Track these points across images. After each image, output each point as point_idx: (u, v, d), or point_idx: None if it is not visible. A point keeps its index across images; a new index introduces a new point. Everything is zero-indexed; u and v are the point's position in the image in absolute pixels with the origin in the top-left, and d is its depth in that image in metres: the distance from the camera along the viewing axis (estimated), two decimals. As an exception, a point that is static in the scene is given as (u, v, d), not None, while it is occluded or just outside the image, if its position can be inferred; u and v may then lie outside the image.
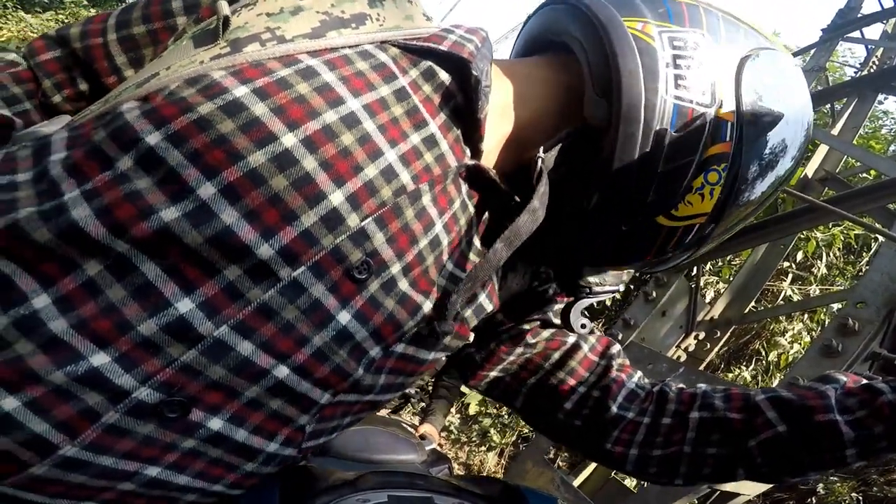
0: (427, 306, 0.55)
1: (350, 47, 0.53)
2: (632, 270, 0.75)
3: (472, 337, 0.64)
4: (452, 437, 3.90)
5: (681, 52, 0.59)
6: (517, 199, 0.61)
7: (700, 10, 0.63)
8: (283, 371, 0.48)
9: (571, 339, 0.74)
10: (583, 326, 0.70)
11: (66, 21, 6.46)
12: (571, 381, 0.71)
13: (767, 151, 0.63)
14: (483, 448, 3.81)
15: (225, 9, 0.50)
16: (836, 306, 3.48)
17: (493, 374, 0.74)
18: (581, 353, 0.73)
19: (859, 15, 3.59)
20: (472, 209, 0.59)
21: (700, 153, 0.59)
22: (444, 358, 0.63)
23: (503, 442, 3.85)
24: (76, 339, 0.42)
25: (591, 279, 0.71)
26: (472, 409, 3.97)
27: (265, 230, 0.45)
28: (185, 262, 0.44)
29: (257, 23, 0.51)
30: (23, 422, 0.41)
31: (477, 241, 0.61)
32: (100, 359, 0.42)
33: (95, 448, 0.43)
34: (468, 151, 0.58)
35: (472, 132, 0.58)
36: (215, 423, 0.47)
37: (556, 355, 0.73)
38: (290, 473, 0.58)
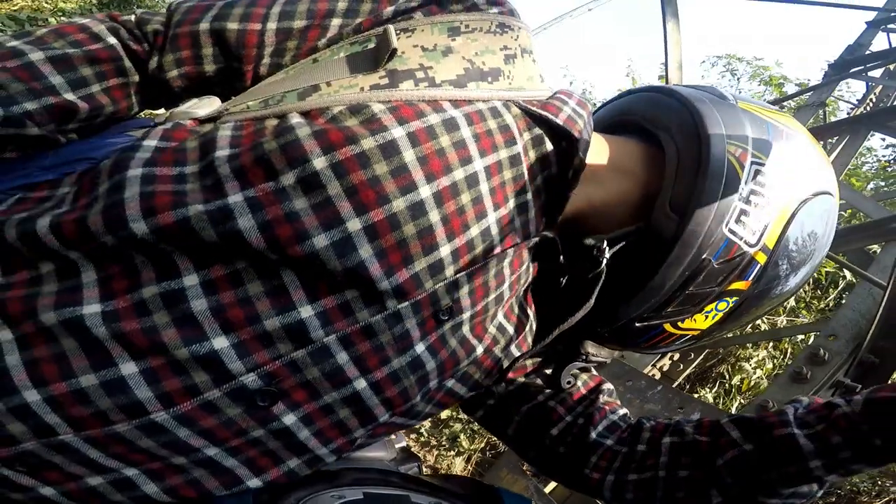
0: (479, 350, 0.60)
1: (483, 101, 0.56)
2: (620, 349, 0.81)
3: (495, 376, 0.68)
4: (422, 439, 3.92)
5: (757, 189, 0.61)
6: (566, 274, 0.66)
7: (795, 139, 0.66)
8: (361, 384, 0.52)
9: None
10: (568, 383, 0.74)
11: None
12: (561, 410, 0.74)
13: (778, 286, 0.67)
14: (451, 453, 3.83)
15: (394, 41, 0.53)
16: (800, 337, 3.63)
17: (491, 402, 0.77)
18: (574, 386, 0.76)
19: (867, 52, 3.64)
20: (531, 272, 0.63)
21: (725, 285, 0.64)
22: (470, 394, 0.66)
23: (472, 448, 3.88)
24: (208, 320, 0.46)
25: (591, 349, 0.75)
26: (444, 414, 3.99)
27: (388, 269, 0.49)
28: (318, 278, 0.48)
29: (412, 55, 0.54)
30: (132, 387, 0.45)
31: (524, 298, 0.66)
32: (220, 342, 0.46)
33: (183, 419, 0.47)
34: (546, 220, 0.62)
35: (555, 203, 0.61)
36: (289, 419, 0.51)
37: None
38: None
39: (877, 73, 3.61)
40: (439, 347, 0.56)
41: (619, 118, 0.73)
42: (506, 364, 0.66)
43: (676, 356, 2.93)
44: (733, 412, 2.44)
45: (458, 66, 0.55)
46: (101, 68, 0.56)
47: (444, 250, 0.51)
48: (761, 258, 0.63)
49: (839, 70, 3.63)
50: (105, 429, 0.45)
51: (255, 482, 0.52)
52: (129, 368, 0.45)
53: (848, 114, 3.87)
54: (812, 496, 0.62)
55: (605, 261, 0.61)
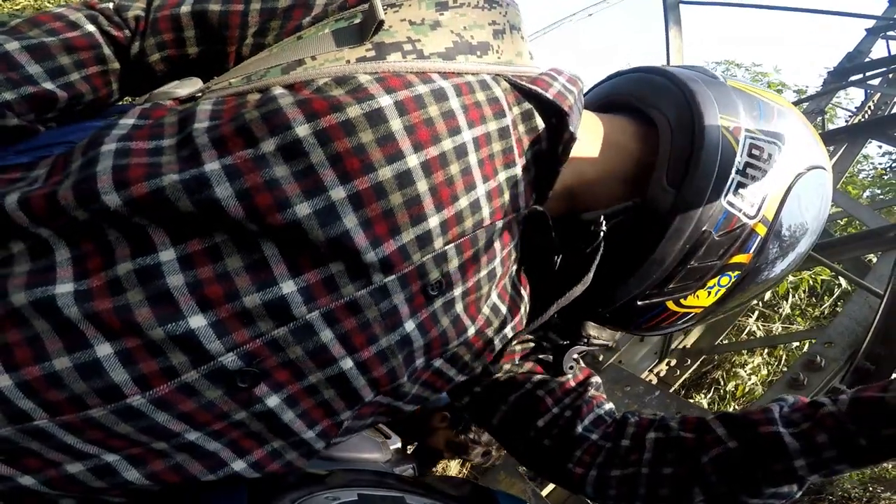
0: (471, 331, 0.59)
1: (472, 74, 0.55)
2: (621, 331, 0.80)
3: (490, 363, 0.68)
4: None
5: (753, 162, 0.61)
6: (560, 251, 0.64)
7: (787, 116, 0.66)
8: (348, 363, 0.51)
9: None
10: (570, 368, 0.73)
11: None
12: (549, 401, 0.72)
13: (778, 260, 0.67)
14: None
15: (380, 13, 0.52)
16: (795, 344, 3.65)
17: (478, 388, 0.75)
18: (563, 377, 0.74)
19: (867, 60, 3.65)
20: (522, 248, 0.62)
21: (726, 258, 0.63)
22: (462, 380, 0.66)
23: (466, 449, 3.89)
24: (184, 297, 0.44)
25: (592, 331, 0.75)
26: (439, 415, 3.99)
27: (374, 239, 0.47)
28: (300, 250, 0.46)
29: (400, 29, 0.53)
30: (108, 370, 0.43)
31: (517, 278, 0.64)
32: (197, 321, 0.44)
33: (160, 403, 0.45)
34: (535, 195, 0.61)
35: (544, 178, 0.60)
36: (272, 401, 0.49)
37: (539, 377, 0.74)
38: None
39: (875, 80, 3.62)
40: (430, 326, 0.54)
41: (610, 98, 0.73)
42: (498, 347, 0.65)
43: (674, 362, 2.94)
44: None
45: (447, 39, 0.55)
46: (80, 56, 0.56)
47: (433, 221, 0.50)
48: (761, 230, 0.63)
49: (838, 77, 3.64)
50: (80, 414, 0.43)
51: (239, 464, 0.52)
52: (103, 350, 0.43)
53: (846, 121, 3.87)
54: (791, 497, 0.61)
55: (602, 234, 0.60)
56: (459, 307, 0.56)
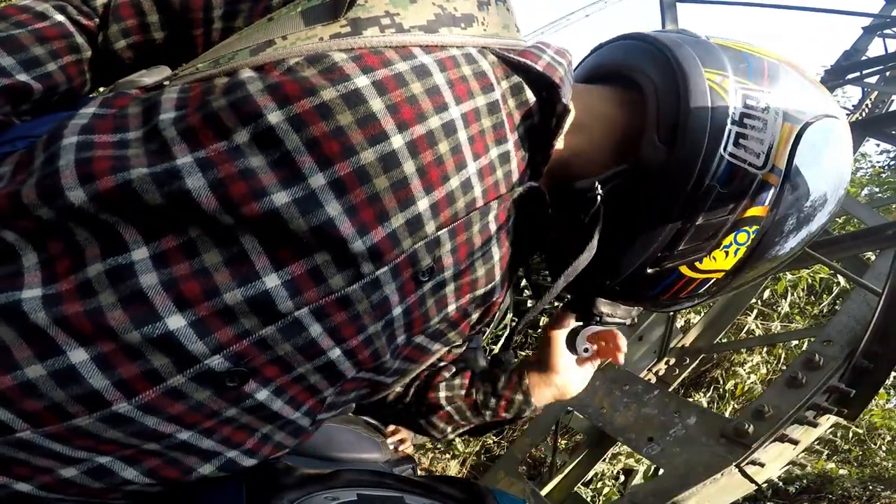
0: (451, 308, 0.58)
1: (457, 47, 0.53)
2: (641, 308, 0.77)
3: (467, 335, 0.67)
4: (417, 441, 3.91)
5: (750, 112, 0.59)
6: (559, 225, 0.63)
7: (780, 68, 0.63)
8: (336, 353, 0.50)
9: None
10: (585, 350, 0.73)
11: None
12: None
13: (801, 215, 0.63)
14: (447, 456, 3.82)
15: None
16: (794, 342, 3.65)
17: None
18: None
19: (864, 58, 3.65)
20: (517, 225, 0.61)
21: (738, 213, 0.60)
22: (443, 351, 0.66)
23: (467, 451, 3.88)
24: (160, 296, 0.42)
25: (604, 309, 0.72)
26: (439, 416, 3.98)
27: (361, 227, 0.46)
28: (282, 242, 0.44)
29: (377, 3, 0.50)
30: (85, 376, 0.41)
31: (513, 256, 0.63)
32: (176, 321, 0.42)
33: (147, 408, 0.43)
34: (529, 171, 0.59)
35: (539, 154, 0.59)
36: (262, 395, 0.48)
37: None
38: (257, 469, 0.57)
39: (873, 78, 3.61)
40: (415, 308, 0.53)
41: (596, 70, 0.71)
42: (475, 318, 0.65)
43: (672, 360, 2.94)
44: (727, 416, 2.45)
45: (428, 11, 0.52)
46: (53, 46, 0.55)
47: (422, 204, 0.48)
48: (773, 180, 0.59)
49: (836, 76, 3.63)
50: (65, 424, 0.42)
51: (233, 453, 0.51)
52: (78, 356, 0.41)
53: (844, 120, 3.88)
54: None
55: (599, 199, 0.58)
56: (450, 289, 0.55)
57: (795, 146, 0.60)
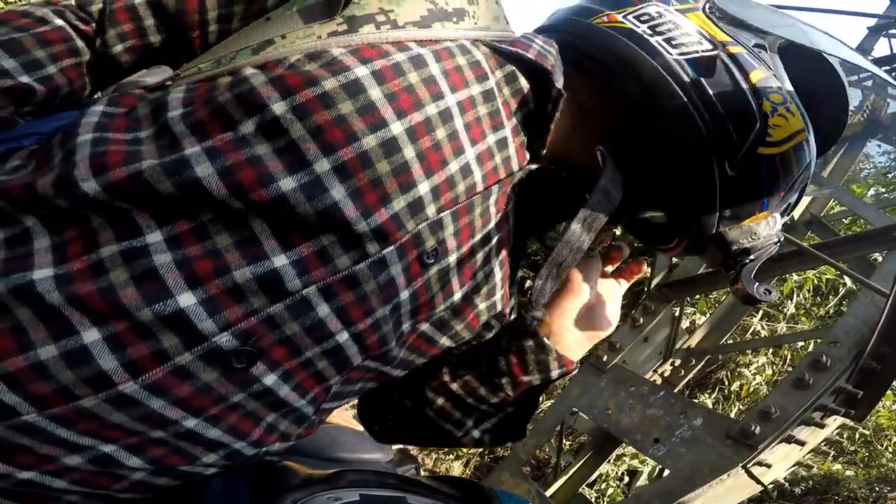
0: (458, 296, 0.59)
1: (451, 41, 0.55)
2: (778, 216, 0.67)
3: (477, 329, 0.67)
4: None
5: (652, 23, 0.61)
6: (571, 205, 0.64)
7: None
8: (344, 336, 0.51)
9: None
10: (767, 292, 0.64)
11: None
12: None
13: (770, 40, 0.63)
14: (450, 456, 3.82)
15: None
16: (800, 344, 3.63)
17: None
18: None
19: (869, 58, 3.66)
20: (520, 209, 0.63)
21: (743, 84, 0.59)
22: (450, 345, 0.66)
23: (470, 452, 3.87)
24: (172, 274, 0.43)
25: (740, 240, 0.64)
26: (443, 416, 3.98)
27: (365, 209, 0.47)
28: (290, 225, 0.46)
29: (371, 1, 0.53)
30: (95, 356, 0.42)
31: (513, 239, 0.65)
32: (187, 299, 0.44)
33: (154, 388, 0.44)
34: (528, 156, 0.61)
35: (536, 139, 0.61)
36: (269, 379, 0.49)
37: None
38: (260, 470, 0.58)
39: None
40: (421, 292, 0.55)
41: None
42: (485, 314, 0.65)
43: (678, 362, 2.93)
44: (733, 417, 2.44)
45: (421, 7, 0.54)
46: (54, 50, 0.56)
47: (423, 188, 0.50)
48: (739, 50, 0.60)
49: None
50: (71, 405, 0.42)
51: (239, 444, 0.52)
52: (90, 336, 0.42)
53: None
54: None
55: (600, 154, 0.59)
56: (453, 273, 0.57)
57: (712, 19, 0.62)
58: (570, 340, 0.69)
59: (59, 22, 0.57)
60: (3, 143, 0.52)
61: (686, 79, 0.58)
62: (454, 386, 0.69)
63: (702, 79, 0.58)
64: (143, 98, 0.51)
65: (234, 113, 0.45)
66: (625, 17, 0.61)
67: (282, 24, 0.53)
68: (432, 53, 0.52)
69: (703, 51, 0.59)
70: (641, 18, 0.61)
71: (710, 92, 0.58)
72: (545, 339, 0.67)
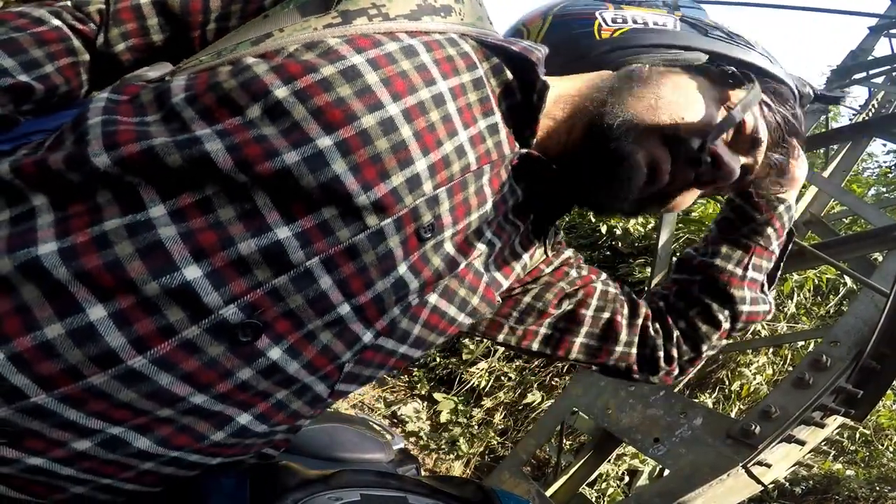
0: (462, 264, 0.61)
1: (440, 33, 0.58)
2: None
3: (497, 303, 0.70)
4: (421, 443, 3.91)
5: (562, 13, 0.73)
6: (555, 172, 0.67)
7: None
8: (345, 308, 0.52)
9: (595, 279, 0.82)
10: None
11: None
12: (618, 319, 0.81)
13: None
14: (451, 456, 3.82)
15: None
16: (800, 343, 3.63)
17: (543, 330, 0.79)
18: (600, 287, 0.82)
19: (870, 58, 3.64)
20: (517, 192, 0.66)
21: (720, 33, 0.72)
22: (468, 322, 0.67)
23: (471, 452, 3.88)
24: (178, 246, 0.44)
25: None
26: (444, 418, 3.99)
27: (365, 183, 0.49)
28: (292, 198, 0.47)
29: None
30: (102, 334, 0.42)
31: (512, 217, 0.68)
32: (193, 272, 0.44)
33: (162, 363, 0.45)
34: (518, 144, 0.64)
35: (524, 129, 0.64)
36: (275, 353, 0.50)
37: (594, 301, 0.80)
38: (261, 470, 0.58)
39: (879, 78, 3.62)
40: (421, 266, 0.56)
41: None
42: (503, 283, 0.69)
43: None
44: (733, 417, 2.43)
45: (411, 2, 0.57)
46: (51, 49, 0.57)
47: (420, 164, 0.52)
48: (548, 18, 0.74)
49: (842, 76, 3.63)
50: (80, 382, 0.42)
51: (245, 417, 0.52)
52: (97, 313, 0.42)
53: (850, 119, 3.85)
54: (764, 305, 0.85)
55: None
56: (449, 246, 0.58)
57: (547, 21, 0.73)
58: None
59: (56, 22, 0.58)
60: (11, 140, 0.53)
61: (668, 43, 0.69)
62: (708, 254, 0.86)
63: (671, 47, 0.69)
64: (146, 87, 0.52)
65: (240, 99, 0.47)
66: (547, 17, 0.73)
67: (280, 19, 0.56)
68: (423, 44, 0.55)
69: (654, 24, 0.71)
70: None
71: (661, 41, 0.70)
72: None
